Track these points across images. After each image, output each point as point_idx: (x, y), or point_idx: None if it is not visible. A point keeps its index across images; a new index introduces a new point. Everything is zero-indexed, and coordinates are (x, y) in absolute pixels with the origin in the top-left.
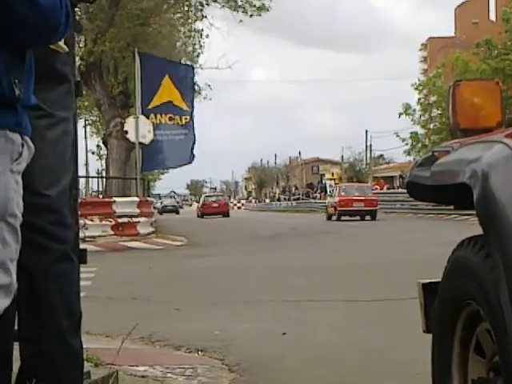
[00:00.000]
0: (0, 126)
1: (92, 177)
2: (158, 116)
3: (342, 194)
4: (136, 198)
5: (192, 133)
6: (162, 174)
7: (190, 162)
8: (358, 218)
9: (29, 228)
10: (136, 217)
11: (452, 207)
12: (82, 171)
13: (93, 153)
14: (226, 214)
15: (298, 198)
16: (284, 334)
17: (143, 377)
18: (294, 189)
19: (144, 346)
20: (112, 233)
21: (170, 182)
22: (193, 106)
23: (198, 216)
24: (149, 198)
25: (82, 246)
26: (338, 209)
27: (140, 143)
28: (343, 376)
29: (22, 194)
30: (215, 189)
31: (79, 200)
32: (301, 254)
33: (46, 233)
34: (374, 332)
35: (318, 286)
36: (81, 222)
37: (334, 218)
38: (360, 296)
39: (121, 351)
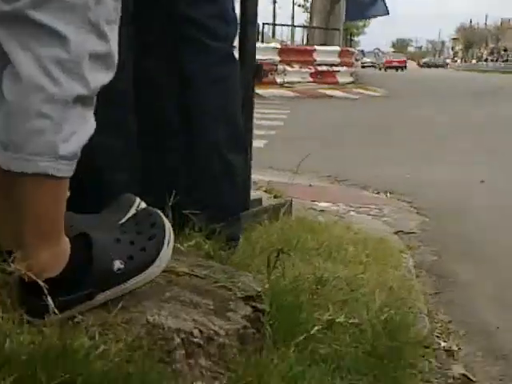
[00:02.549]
0: None
1: (296, 26)
2: None
3: None
4: (337, 47)
5: None
6: (365, 26)
7: (387, 14)
8: None
9: (180, 20)
10: (336, 66)
11: None
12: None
13: (299, 5)
14: (403, 68)
15: (507, 60)
16: (482, 181)
17: (322, 211)
18: (502, 51)
19: (329, 184)
20: (311, 80)
21: (375, 39)
22: None
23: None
24: (350, 48)
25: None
26: None
27: None
28: None
29: None
30: (421, 47)
31: (278, 46)
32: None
33: (203, 27)
34: None
35: None
36: (280, 67)
37: None
38: None
39: (305, 187)
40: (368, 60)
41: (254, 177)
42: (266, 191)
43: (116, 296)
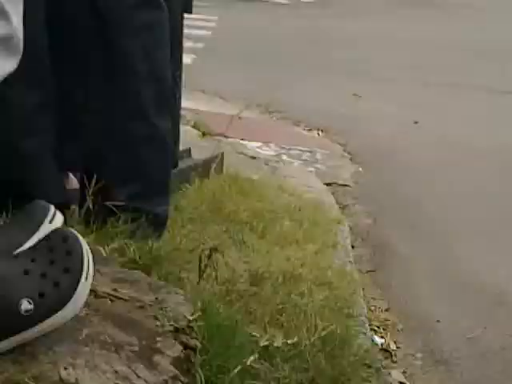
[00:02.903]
0: None
1: None
2: None
3: None
4: None
5: None
6: None
7: None
8: None
9: None
10: None
11: None
12: None
13: None
14: None
15: None
16: (416, 122)
17: (253, 158)
18: None
19: (260, 115)
20: None
21: None
22: None
23: None
24: None
25: None
26: None
27: None
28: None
29: None
30: None
31: None
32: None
33: None
34: None
35: (462, 67)
36: None
37: None
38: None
39: (233, 120)
40: None
41: (182, 104)
42: (193, 126)
43: (23, 342)
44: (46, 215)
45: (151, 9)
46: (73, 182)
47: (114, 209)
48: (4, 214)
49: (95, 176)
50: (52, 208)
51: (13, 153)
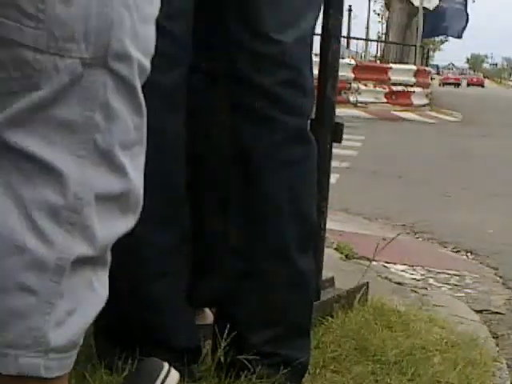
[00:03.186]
0: None
1: (371, 40)
2: None
3: None
4: (413, 66)
5: (465, 7)
6: (442, 43)
7: (459, 37)
8: None
9: (246, 88)
10: (411, 86)
11: None
12: (361, 33)
13: (377, 13)
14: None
15: None
16: None
17: (399, 284)
18: None
19: (405, 236)
20: (385, 100)
21: (450, 54)
22: None
23: (439, 85)
24: (427, 68)
25: (353, 111)
26: None
27: (424, 8)
28: None
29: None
30: (496, 65)
31: (353, 63)
32: None
33: (274, 97)
34: None
35: None
36: (354, 86)
37: None
38: None
39: (377, 242)
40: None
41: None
42: (336, 249)
43: None
44: (158, 375)
45: (299, 144)
46: (208, 317)
47: (248, 364)
48: (131, 361)
49: (228, 324)
50: (166, 366)
51: (141, 297)
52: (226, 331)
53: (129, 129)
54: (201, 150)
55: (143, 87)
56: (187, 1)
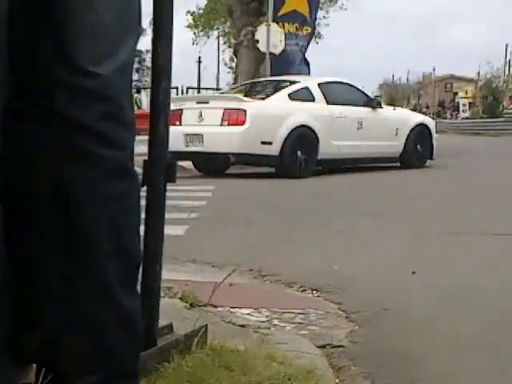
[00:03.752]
0: None
1: (220, 89)
2: (286, 25)
3: None
4: None
5: (305, 45)
6: None
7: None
8: None
9: (65, 124)
10: None
11: None
12: (212, 83)
13: (225, 64)
14: None
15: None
16: (414, 273)
17: (243, 326)
18: (425, 107)
19: (252, 279)
20: None
21: None
22: (315, 18)
23: None
24: None
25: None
26: None
27: (270, 53)
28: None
29: None
30: None
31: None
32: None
33: (94, 132)
34: None
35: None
36: None
37: None
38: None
39: (225, 287)
40: None
41: (171, 276)
42: (181, 298)
43: None
44: None
45: (121, 179)
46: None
47: None
48: None
49: (50, 376)
50: None
51: None
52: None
53: None
54: (20, 190)
55: None
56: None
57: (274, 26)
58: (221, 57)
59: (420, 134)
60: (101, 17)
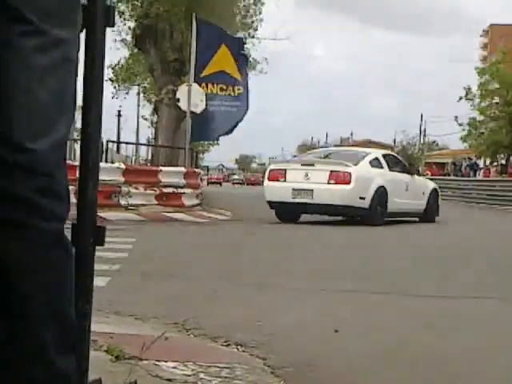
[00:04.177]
0: None
1: (141, 144)
2: (210, 86)
3: None
4: (183, 169)
5: (245, 104)
6: (212, 145)
7: (229, 133)
8: None
9: (2, 198)
10: (182, 188)
11: None
12: (132, 138)
13: (145, 119)
14: (220, 184)
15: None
16: (336, 331)
17: (169, 380)
18: None
19: (177, 333)
20: (156, 202)
21: (220, 155)
22: (247, 78)
23: (207, 184)
24: (196, 170)
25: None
26: None
27: (191, 112)
28: None
29: None
30: (264, 164)
31: (123, 167)
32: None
33: (28, 205)
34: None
35: (375, 274)
36: (125, 189)
37: None
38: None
39: (148, 341)
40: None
41: (95, 328)
42: (106, 351)
43: None
44: None
45: (56, 248)
46: None
47: None
48: None
49: None
50: None
51: None
52: None
53: None
54: None
55: None
56: None
57: (195, 85)
58: (140, 113)
59: (434, 196)
60: (37, 96)
